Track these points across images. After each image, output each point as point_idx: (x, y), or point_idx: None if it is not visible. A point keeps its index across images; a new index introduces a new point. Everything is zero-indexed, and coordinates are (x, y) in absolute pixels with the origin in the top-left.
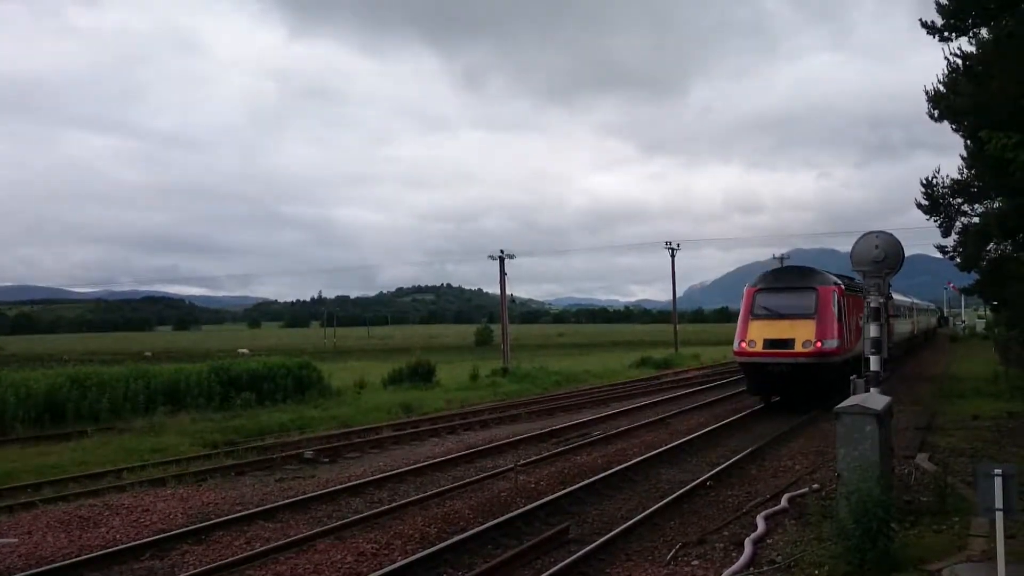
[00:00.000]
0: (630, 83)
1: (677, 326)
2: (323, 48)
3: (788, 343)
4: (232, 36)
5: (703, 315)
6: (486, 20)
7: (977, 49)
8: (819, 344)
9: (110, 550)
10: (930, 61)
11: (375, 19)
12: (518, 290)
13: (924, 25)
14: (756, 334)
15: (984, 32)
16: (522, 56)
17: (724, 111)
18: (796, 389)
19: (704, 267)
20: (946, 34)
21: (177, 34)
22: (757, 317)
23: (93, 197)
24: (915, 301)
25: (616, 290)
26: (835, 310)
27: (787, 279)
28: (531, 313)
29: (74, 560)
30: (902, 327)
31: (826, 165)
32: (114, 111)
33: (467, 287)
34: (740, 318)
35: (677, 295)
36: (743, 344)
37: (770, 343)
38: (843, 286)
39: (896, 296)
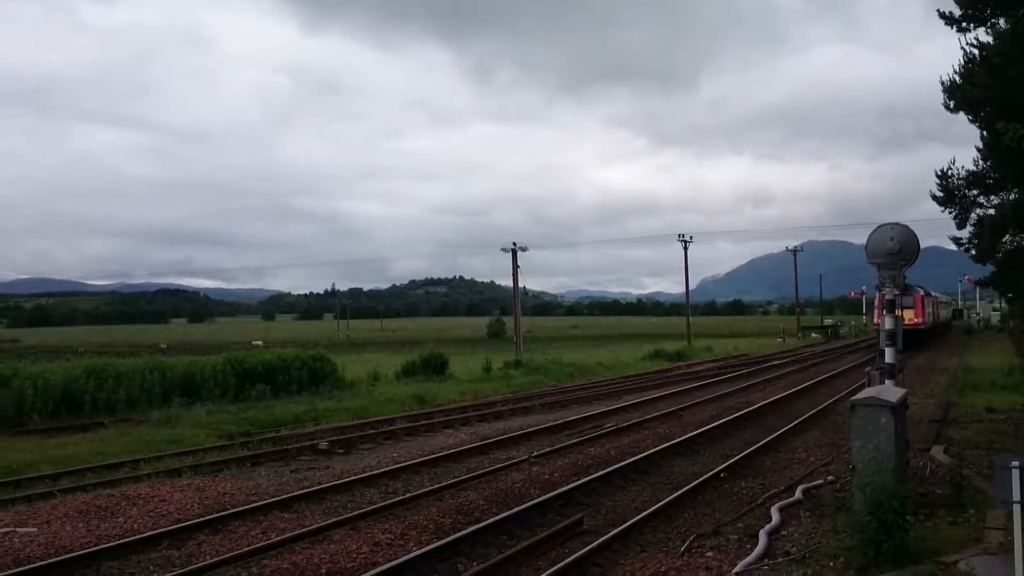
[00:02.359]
0: (639, 75)
1: (690, 318)
2: (335, 43)
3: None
4: (244, 32)
5: (716, 308)
6: (497, 14)
7: (994, 39)
8: (916, 320)
9: (128, 540)
10: (941, 52)
11: (387, 14)
12: (530, 283)
13: (942, 15)
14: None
15: (1002, 22)
16: (532, 49)
17: (733, 103)
18: (906, 342)
19: (717, 259)
20: (964, 24)
21: (188, 30)
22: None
23: (106, 191)
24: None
25: (628, 282)
26: (922, 305)
27: (903, 292)
28: (543, 305)
29: (92, 549)
30: (943, 313)
31: (837, 157)
32: (126, 106)
33: (479, 279)
34: (876, 307)
35: (690, 287)
36: (878, 321)
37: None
38: (923, 293)
39: (939, 294)
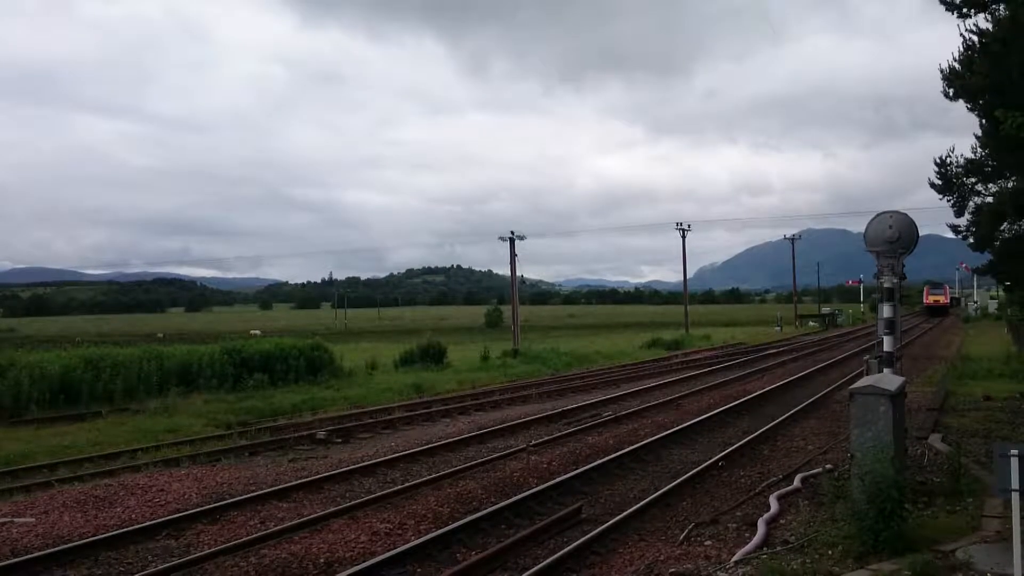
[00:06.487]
0: (635, 65)
1: (688, 307)
2: (331, 35)
3: (939, 299)
4: (242, 25)
5: (713, 296)
6: (492, 5)
7: (993, 26)
8: (945, 300)
9: (126, 529)
10: (937, 40)
11: (383, 6)
12: (528, 271)
13: (943, 1)
14: (931, 298)
15: (1002, 9)
16: (527, 39)
17: (729, 93)
18: (940, 312)
19: (714, 248)
20: (964, 10)
21: (187, 22)
22: (929, 295)
23: (104, 180)
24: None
25: (626, 271)
26: (947, 293)
27: (937, 286)
28: (541, 294)
29: (91, 539)
30: (954, 298)
31: (832, 146)
32: (125, 96)
33: (477, 268)
34: (924, 294)
35: (688, 276)
36: (926, 302)
37: (934, 299)
38: (948, 286)
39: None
